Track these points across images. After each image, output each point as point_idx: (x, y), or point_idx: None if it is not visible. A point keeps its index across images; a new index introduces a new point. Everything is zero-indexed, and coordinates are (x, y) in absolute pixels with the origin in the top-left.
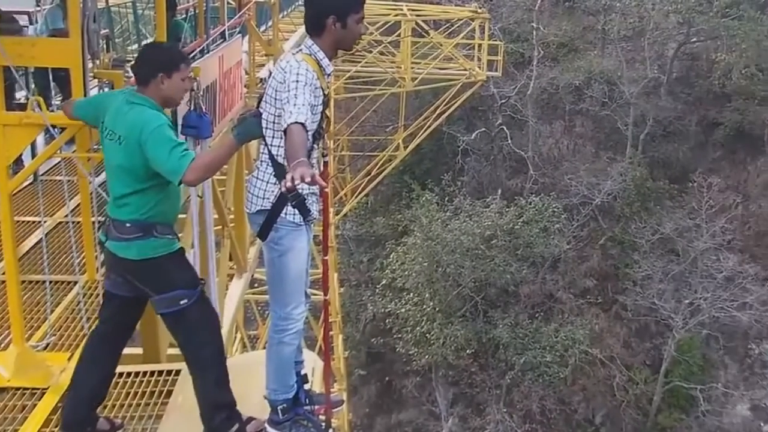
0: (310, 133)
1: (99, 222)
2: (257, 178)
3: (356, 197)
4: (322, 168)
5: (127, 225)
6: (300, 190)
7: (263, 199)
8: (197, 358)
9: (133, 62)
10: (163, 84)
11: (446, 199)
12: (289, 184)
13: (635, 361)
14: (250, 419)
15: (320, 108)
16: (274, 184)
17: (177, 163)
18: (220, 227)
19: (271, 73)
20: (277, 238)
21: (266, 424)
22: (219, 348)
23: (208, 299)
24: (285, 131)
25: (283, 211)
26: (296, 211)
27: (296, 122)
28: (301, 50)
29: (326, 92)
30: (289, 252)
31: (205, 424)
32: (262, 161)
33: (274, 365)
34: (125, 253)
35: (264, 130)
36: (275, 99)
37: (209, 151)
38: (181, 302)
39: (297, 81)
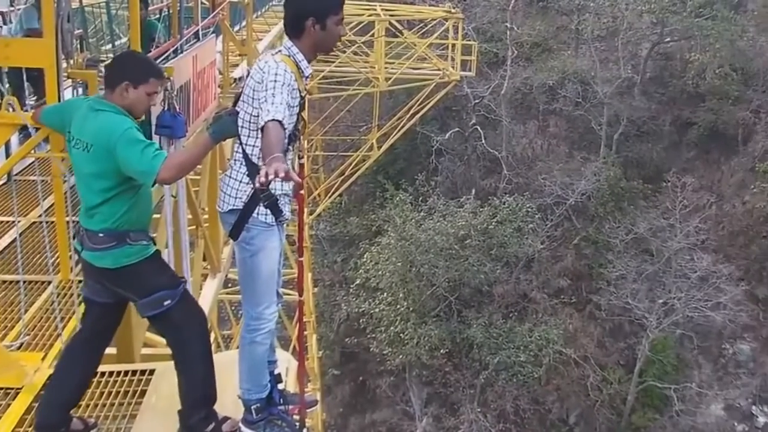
0: (286, 132)
1: (74, 222)
2: (230, 177)
3: (330, 197)
4: (297, 170)
5: (100, 235)
6: (273, 191)
7: (235, 198)
8: (186, 355)
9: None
10: (127, 92)
11: (420, 199)
12: (263, 179)
13: (609, 360)
14: (226, 418)
15: (296, 110)
16: (247, 183)
17: (150, 163)
18: (194, 227)
19: (249, 73)
20: (248, 238)
21: (240, 424)
22: (207, 344)
23: (191, 296)
24: (262, 129)
25: (255, 211)
26: (268, 211)
27: (274, 119)
28: (280, 51)
29: (303, 94)
30: (260, 252)
31: (183, 422)
32: (236, 160)
33: (247, 365)
34: (101, 263)
35: (240, 129)
36: (252, 98)
37: (183, 149)
38: (165, 303)
39: (275, 81)
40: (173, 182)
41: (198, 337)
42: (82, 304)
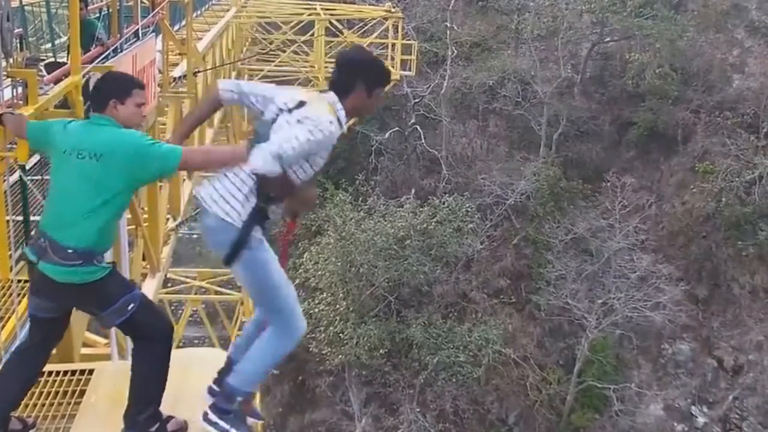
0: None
1: (13, 221)
2: (238, 189)
3: None
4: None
5: (69, 251)
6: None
7: (239, 214)
8: (151, 353)
9: (91, 90)
10: (117, 110)
11: (360, 198)
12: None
13: (549, 361)
14: (170, 417)
15: (322, 162)
16: (249, 202)
17: (170, 149)
18: (133, 227)
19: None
20: (253, 257)
21: (209, 410)
22: (171, 343)
23: (147, 297)
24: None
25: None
26: (259, 227)
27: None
28: (327, 100)
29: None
30: (268, 264)
31: (129, 420)
32: (246, 174)
33: (269, 362)
34: (65, 278)
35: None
36: (288, 123)
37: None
38: (129, 308)
39: (315, 136)
40: (196, 166)
41: (165, 336)
42: (22, 303)
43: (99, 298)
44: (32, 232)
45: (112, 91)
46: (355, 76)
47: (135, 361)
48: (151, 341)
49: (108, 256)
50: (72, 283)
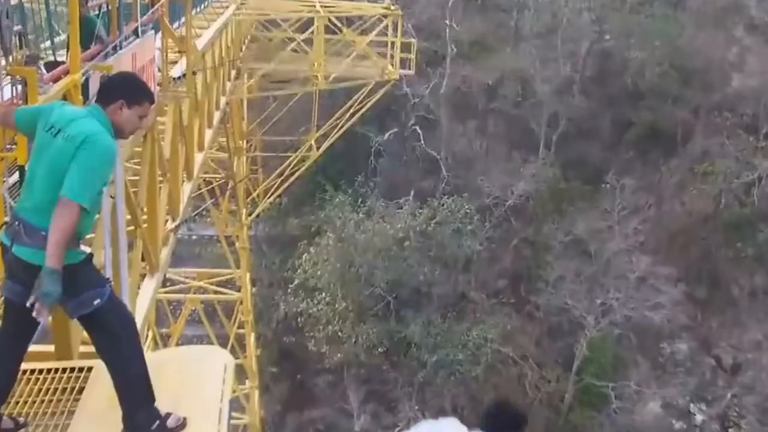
0: None
1: None
2: None
3: (269, 198)
4: None
5: (42, 233)
6: None
7: None
8: (119, 356)
9: (104, 81)
10: (121, 111)
11: (359, 200)
12: None
13: (547, 359)
14: (168, 414)
15: None
16: None
17: (80, 188)
18: (132, 228)
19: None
20: None
21: None
22: (139, 344)
23: (119, 298)
24: None
25: None
26: None
27: None
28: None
29: None
30: None
31: (127, 422)
32: None
33: None
34: (34, 259)
35: None
36: None
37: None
38: (95, 302)
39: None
40: (60, 218)
41: (131, 337)
42: None
43: (65, 285)
44: (7, 217)
45: (125, 91)
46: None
47: (108, 366)
48: (116, 344)
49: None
50: (38, 266)
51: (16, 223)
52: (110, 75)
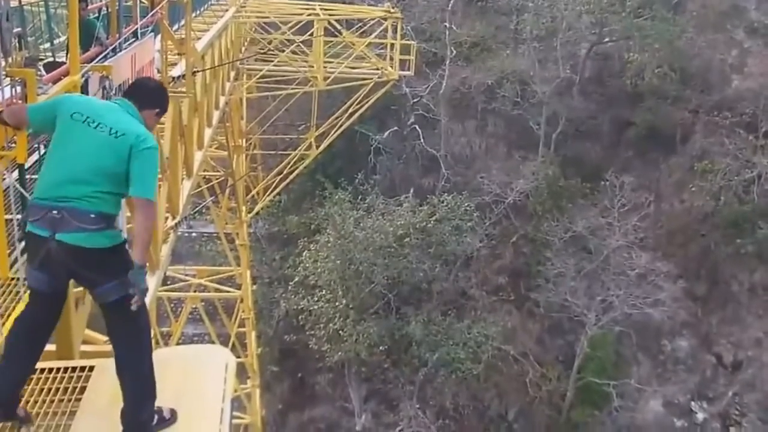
0: None
1: (17, 220)
2: None
3: (269, 195)
4: None
5: (92, 215)
6: None
7: None
8: (138, 347)
9: (135, 85)
10: (155, 118)
11: (359, 197)
12: None
13: (548, 357)
14: (159, 408)
15: None
16: None
17: (152, 188)
18: (132, 225)
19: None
20: None
21: None
22: (151, 340)
23: None
24: None
25: None
26: None
27: None
28: None
29: None
30: None
31: (131, 418)
32: None
33: None
34: (91, 243)
35: None
36: None
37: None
38: (131, 290)
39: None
40: (146, 219)
41: (148, 330)
42: (22, 302)
43: (109, 265)
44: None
45: (164, 103)
46: None
47: (122, 358)
48: (138, 335)
49: None
50: (95, 248)
51: (54, 212)
52: (153, 81)
